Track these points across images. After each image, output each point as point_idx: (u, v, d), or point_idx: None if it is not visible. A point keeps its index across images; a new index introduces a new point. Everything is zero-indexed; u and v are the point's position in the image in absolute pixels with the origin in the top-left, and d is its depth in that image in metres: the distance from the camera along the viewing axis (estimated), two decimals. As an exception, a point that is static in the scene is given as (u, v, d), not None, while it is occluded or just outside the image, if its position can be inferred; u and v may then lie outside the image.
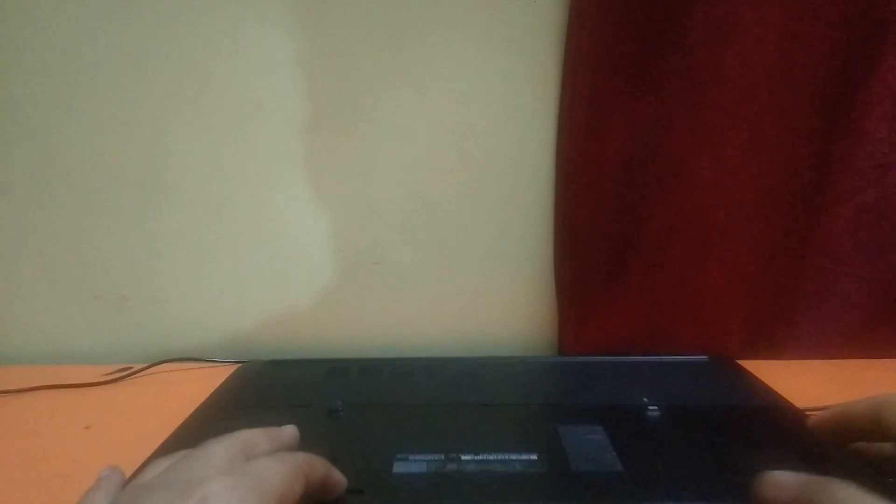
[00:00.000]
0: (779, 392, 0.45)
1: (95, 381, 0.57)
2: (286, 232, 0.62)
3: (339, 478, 0.29)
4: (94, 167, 0.60)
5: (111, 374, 0.59)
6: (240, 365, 0.56)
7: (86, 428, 0.49)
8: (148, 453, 0.37)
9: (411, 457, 0.33)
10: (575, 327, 0.60)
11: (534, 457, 0.33)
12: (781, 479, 0.25)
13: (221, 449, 0.26)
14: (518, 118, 0.59)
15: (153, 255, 0.63)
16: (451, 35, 0.57)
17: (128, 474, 0.29)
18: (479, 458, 0.33)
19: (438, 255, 0.63)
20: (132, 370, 0.59)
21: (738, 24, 0.50)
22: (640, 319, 0.59)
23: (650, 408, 0.40)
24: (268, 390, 0.49)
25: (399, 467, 0.32)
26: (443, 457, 0.33)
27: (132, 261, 0.63)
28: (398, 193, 0.61)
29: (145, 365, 0.60)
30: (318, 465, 0.28)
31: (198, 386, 0.49)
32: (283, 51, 0.57)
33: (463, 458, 0.33)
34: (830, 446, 0.32)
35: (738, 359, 0.56)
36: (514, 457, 0.33)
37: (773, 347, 0.59)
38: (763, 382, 0.48)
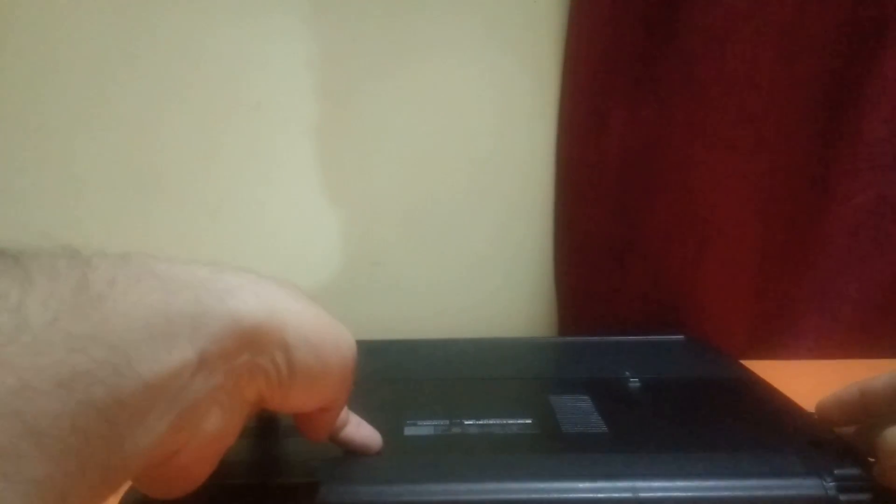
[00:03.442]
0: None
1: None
2: (285, 232, 0.62)
3: (371, 436, 0.33)
4: (92, 167, 0.60)
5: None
6: None
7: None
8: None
9: (420, 422, 0.37)
10: (575, 328, 0.60)
11: (528, 421, 0.37)
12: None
13: None
14: (518, 118, 0.59)
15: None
16: (451, 35, 0.57)
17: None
18: (481, 422, 0.37)
19: (438, 255, 0.63)
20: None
21: (738, 24, 0.50)
22: (640, 320, 0.59)
23: (631, 380, 0.44)
24: None
25: (410, 431, 0.36)
26: (448, 422, 0.37)
27: (131, 261, 0.63)
28: (398, 193, 0.61)
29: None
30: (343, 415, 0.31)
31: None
32: (283, 50, 0.57)
33: (466, 423, 0.37)
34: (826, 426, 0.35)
35: (739, 358, 0.56)
36: (510, 421, 0.37)
37: (773, 347, 0.59)
38: (733, 359, 0.51)
